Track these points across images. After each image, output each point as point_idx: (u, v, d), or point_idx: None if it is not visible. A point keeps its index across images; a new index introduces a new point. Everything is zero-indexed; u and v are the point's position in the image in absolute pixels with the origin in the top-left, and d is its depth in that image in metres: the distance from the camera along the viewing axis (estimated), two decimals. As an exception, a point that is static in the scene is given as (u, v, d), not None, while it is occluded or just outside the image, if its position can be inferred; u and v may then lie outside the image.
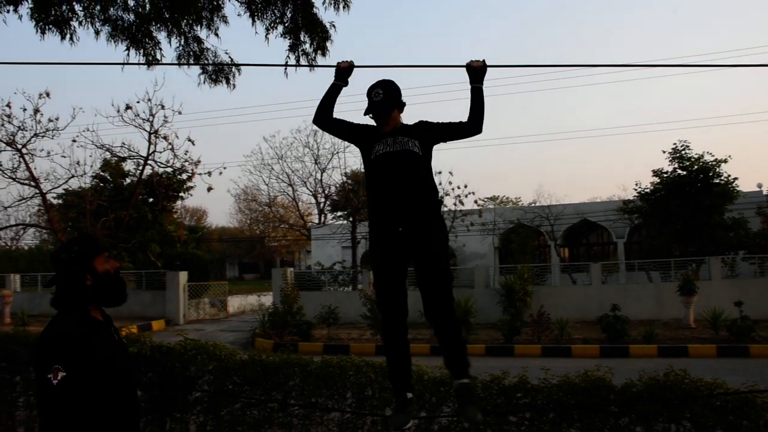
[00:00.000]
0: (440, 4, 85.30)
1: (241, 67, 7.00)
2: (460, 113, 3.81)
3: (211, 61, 6.76)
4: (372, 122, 3.66)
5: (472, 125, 3.61)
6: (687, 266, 20.48)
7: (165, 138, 19.26)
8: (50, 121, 19.06)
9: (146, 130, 18.98)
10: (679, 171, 22.47)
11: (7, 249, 38.57)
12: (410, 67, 4.31)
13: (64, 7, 6.24)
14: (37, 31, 6.14)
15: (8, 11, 6.02)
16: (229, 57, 6.87)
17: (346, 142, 4.09)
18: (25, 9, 6.13)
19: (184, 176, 22.06)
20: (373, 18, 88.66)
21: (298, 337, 16.73)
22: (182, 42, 6.66)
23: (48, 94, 18.76)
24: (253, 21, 6.54)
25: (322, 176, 33.17)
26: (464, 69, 3.66)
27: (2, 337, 6.85)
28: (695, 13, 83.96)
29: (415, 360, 3.81)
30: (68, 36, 6.30)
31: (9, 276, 26.76)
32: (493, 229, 29.52)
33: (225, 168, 39.84)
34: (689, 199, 21.52)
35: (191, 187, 26.46)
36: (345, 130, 3.75)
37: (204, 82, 6.77)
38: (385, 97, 3.55)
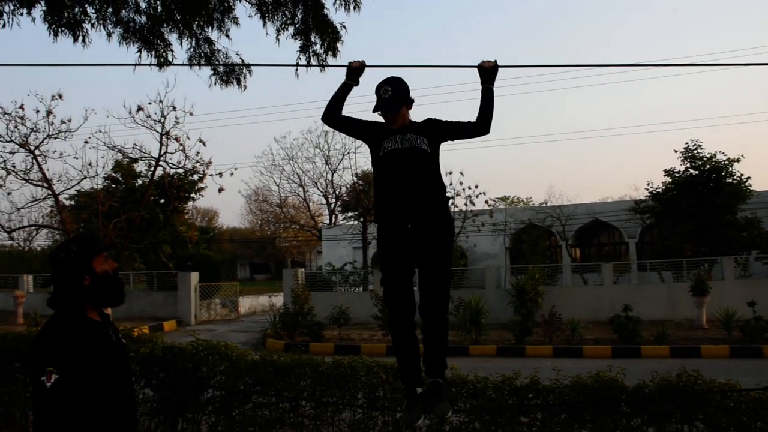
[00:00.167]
0: (450, 5, 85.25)
1: (252, 67, 7.02)
2: (470, 113, 3.80)
3: (222, 62, 6.78)
4: (381, 119, 3.67)
5: (481, 125, 3.62)
6: (699, 266, 20.33)
7: (176, 139, 19.35)
8: (63, 122, 19.20)
9: (158, 132, 19.07)
10: (692, 170, 22.31)
11: (20, 250, 38.80)
12: (421, 67, 4.30)
13: (76, 9, 6.28)
14: (50, 34, 6.18)
15: (21, 14, 6.06)
16: (240, 58, 6.89)
17: (357, 143, 4.11)
18: (38, 12, 6.17)
19: (196, 177, 22.13)
20: (384, 18, 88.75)
21: (309, 337, 16.76)
22: (193, 43, 6.68)
23: (60, 96, 18.90)
24: (264, 22, 6.56)
25: (332, 177, 33.23)
26: (475, 69, 3.66)
27: (16, 337, 6.90)
28: (712, 12, 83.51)
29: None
30: (81, 38, 6.34)
31: (22, 277, 26.95)
32: (504, 230, 29.45)
33: (236, 169, 39.84)
34: (702, 199, 21.37)
35: (202, 188, 26.54)
36: (354, 128, 3.76)
37: (215, 83, 6.79)
38: (394, 94, 3.56)
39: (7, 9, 5.97)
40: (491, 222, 26.27)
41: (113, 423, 2.62)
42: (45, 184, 19.63)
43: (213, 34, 6.69)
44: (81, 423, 2.49)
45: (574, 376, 4.99)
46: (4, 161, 19.11)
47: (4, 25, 5.93)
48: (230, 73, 6.80)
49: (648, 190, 23.67)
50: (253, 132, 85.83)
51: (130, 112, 18.89)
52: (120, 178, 25.93)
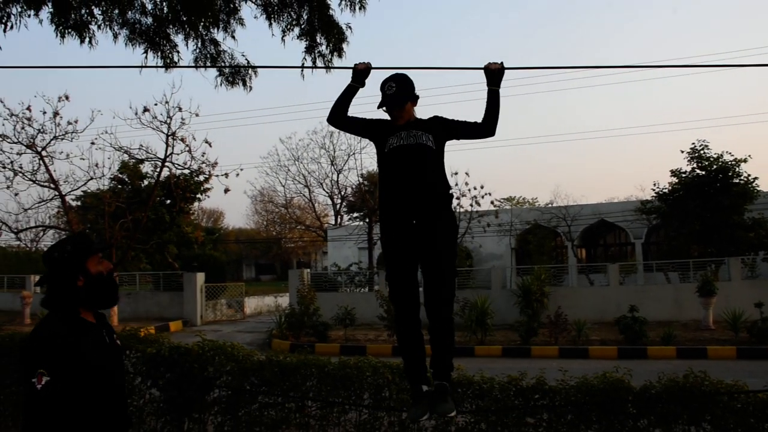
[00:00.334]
0: (456, 6, 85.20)
1: (258, 69, 7.04)
2: (474, 114, 3.79)
3: (227, 64, 6.79)
4: (386, 116, 3.67)
5: (486, 127, 3.62)
6: (706, 267, 20.25)
7: (182, 140, 19.42)
8: (69, 123, 19.31)
9: (164, 133, 19.14)
10: (698, 171, 22.23)
11: (27, 250, 38.96)
12: (427, 69, 4.29)
13: (83, 11, 6.31)
14: (57, 35, 6.22)
15: (29, 16, 6.09)
16: (246, 59, 6.91)
17: (362, 143, 4.12)
18: (45, 13, 6.20)
19: (201, 178, 22.24)
20: (389, 19, 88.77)
21: (314, 338, 16.76)
22: (199, 44, 6.71)
23: (67, 97, 19.00)
24: (270, 23, 6.58)
25: (338, 177, 33.36)
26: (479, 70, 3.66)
27: (23, 337, 6.92)
28: (718, 12, 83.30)
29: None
30: (87, 40, 6.37)
31: (29, 277, 27.04)
32: (509, 230, 29.40)
33: (242, 169, 39.79)
34: (708, 200, 21.29)
35: (208, 189, 26.65)
36: (359, 127, 3.77)
37: (221, 84, 6.82)
38: (398, 91, 3.56)
39: (14, 11, 6.00)
40: (497, 222, 26.24)
41: (103, 424, 2.59)
42: (52, 185, 19.74)
43: (219, 35, 6.72)
44: (69, 425, 2.47)
45: (580, 376, 4.98)
46: (12, 162, 19.23)
47: (12, 27, 5.96)
48: (236, 74, 6.82)
49: (654, 190, 23.64)
50: (258, 132, 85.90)
51: (136, 113, 18.98)
52: (126, 179, 26.02)
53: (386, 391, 5.36)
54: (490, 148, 76.50)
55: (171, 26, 6.59)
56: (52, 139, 19.19)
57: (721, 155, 22.04)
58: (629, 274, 23.70)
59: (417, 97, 3.67)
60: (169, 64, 6.69)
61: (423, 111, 3.66)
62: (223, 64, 6.76)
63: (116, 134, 45.13)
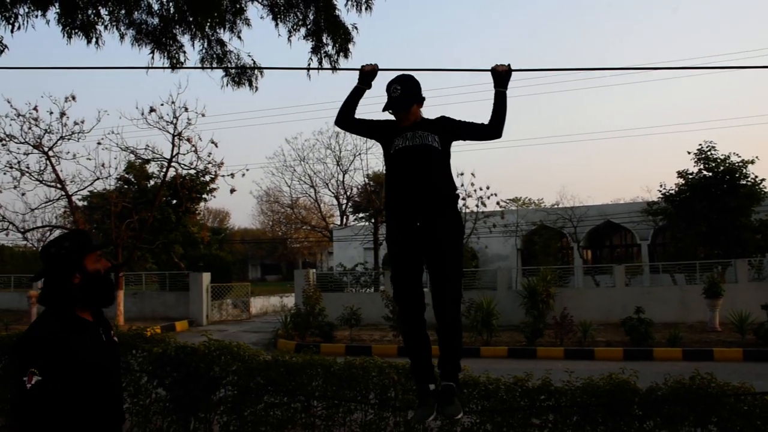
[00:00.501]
0: (463, 6, 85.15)
1: (264, 69, 7.05)
2: (480, 115, 3.80)
3: (234, 64, 6.80)
4: (393, 117, 3.68)
5: (493, 129, 3.62)
6: (712, 268, 20.17)
7: (188, 140, 19.49)
8: (76, 123, 19.41)
9: (170, 133, 19.22)
10: (705, 172, 22.16)
11: (34, 250, 39.07)
12: (434, 70, 4.29)
13: (90, 11, 6.33)
14: (63, 36, 6.24)
15: (36, 16, 6.11)
16: (252, 59, 6.92)
17: (368, 143, 4.13)
18: (52, 14, 6.23)
19: (207, 178, 22.27)
20: (396, 19, 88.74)
21: (320, 338, 16.79)
22: (205, 45, 6.72)
23: (74, 98, 19.11)
24: (276, 23, 6.59)
25: (344, 178, 33.36)
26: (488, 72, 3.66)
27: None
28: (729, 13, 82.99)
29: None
30: (94, 40, 6.39)
31: (36, 277, 27.13)
32: (515, 231, 29.36)
33: (248, 170, 40.05)
34: (715, 201, 21.22)
35: (214, 189, 26.68)
36: (366, 128, 3.78)
37: (227, 85, 6.82)
38: (403, 93, 3.57)
39: (22, 11, 6.02)
40: (503, 223, 26.22)
41: (96, 422, 2.55)
42: (58, 185, 19.84)
43: (225, 35, 6.73)
44: (60, 424, 2.43)
45: (586, 378, 4.97)
46: (19, 162, 19.35)
47: (19, 27, 5.99)
48: (242, 75, 6.83)
49: (660, 191, 23.58)
50: (264, 133, 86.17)
51: (142, 114, 19.12)
52: (132, 179, 26.09)
53: (392, 391, 5.36)
54: (495, 148, 76.54)
55: (177, 26, 6.61)
56: (58, 139, 19.31)
57: (728, 156, 21.97)
58: (635, 276, 23.63)
59: (423, 99, 3.67)
60: (175, 65, 6.71)
61: (429, 111, 3.66)
62: (229, 65, 6.77)
63: (123, 134, 45.10)
